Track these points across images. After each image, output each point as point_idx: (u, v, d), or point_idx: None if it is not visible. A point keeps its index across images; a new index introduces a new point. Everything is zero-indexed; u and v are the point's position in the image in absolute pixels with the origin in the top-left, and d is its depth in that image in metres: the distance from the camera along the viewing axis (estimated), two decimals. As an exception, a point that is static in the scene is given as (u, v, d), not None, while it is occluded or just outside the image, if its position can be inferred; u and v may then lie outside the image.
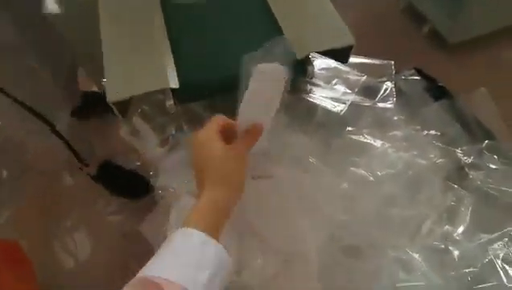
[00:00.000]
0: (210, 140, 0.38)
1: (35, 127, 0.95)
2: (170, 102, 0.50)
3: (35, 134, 1.06)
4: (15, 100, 0.79)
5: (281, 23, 0.54)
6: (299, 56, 0.50)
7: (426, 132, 0.57)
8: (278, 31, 0.56)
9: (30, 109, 0.83)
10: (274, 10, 0.57)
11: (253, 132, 0.40)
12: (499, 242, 0.42)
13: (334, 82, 0.63)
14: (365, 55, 0.71)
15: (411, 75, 0.70)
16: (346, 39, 0.51)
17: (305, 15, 0.57)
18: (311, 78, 0.55)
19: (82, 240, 1.21)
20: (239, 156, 0.39)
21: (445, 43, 1.53)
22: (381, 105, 0.61)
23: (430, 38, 1.60)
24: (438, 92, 0.67)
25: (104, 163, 1.17)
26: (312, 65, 0.54)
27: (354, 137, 0.56)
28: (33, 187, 1.28)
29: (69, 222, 1.24)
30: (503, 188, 0.52)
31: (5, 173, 1.32)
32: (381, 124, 0.61)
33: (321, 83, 0.62)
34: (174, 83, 0.49)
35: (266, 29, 0.59)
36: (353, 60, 0.67)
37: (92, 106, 1.28)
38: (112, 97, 0.49)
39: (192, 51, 0.57)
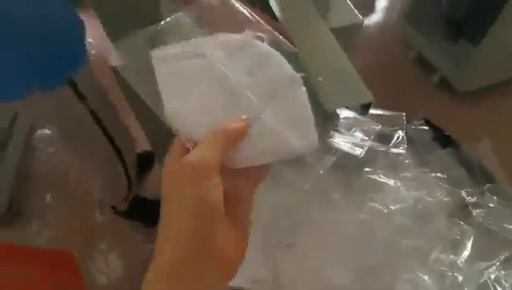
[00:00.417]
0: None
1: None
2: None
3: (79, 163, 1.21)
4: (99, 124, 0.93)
5: (312, 79, 0.68)
6: (329, 109, 0.62)
7: (433, 174, 0.67)
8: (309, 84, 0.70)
9: (111, 139, 0.97)
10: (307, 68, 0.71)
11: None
12: (493, 267, 0.50)
13: (353, 130, 0.75)
14: (379, 104, 0.83)
15: (421, 125, 0.82)
16: (367, 97, 0.64)
17: (332, 74, 0.70)
18: (336, 126, 0.67)
19: (114, 262, 1.31)
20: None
21: (454, 91, 1.66)
22: (394, 150, 0.72)
23: (439, 86, 1.73)
24: (445, 140, 0.78)
25: (133, 199, 1.27)
26: (338, 116, 0.66)
27: (371, 176, 0.67)
28: (74, 212, 1.41)
29: (103, 245, 1.34)
30: (502, 225, 0.61)
31: (49, 197, 1.46)
32: (394, 166, 0.72)
33: (342, 130, 0.75)
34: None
35: None
36: (370, 111, 0.80)
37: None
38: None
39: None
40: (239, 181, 0.28)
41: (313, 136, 0.31)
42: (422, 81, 1.78)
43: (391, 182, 0.64)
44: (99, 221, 1.40)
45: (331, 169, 0.70)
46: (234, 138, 0.27)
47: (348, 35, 1.02)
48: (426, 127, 0.79)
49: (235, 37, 0.32)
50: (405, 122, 0.79)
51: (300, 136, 0.30)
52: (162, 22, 0.33)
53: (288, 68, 0.32)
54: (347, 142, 0.73)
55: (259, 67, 0.31)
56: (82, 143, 1.00)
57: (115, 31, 0.93)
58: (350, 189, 0.65)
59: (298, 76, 0.32)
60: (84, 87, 0.87)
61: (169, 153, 0.28)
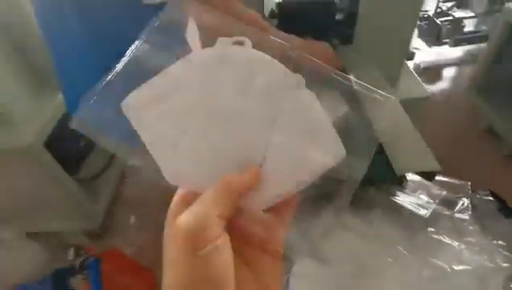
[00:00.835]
0: None
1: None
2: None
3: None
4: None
5: (383, 144, 0.79)
6: (399, 173, 0.73)
7: (495, 242, 0.72)
8: (379, 147, 0.81)
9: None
10: (378, 134, 0.84)
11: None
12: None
13: (419, 193, 0.84)
14: (445, 171, 0.90)
15: (486, 195, 0.87)
16: (434, 165, 0.74)
17: (401, 141, 0.82)
18: (405, 188, 0.77)
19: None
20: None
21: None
22: (458, 215, 0.78)
23: (508, 159, 1.70)
24: (509, 211, 0.82)
25: None
26: (407, 179, 0.77)
27: (435, 236, 0.74)
28: (151, 233, 1.62)
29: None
30: None
31: (133, 219, 1.70)
32: (458, 231, 0.77)
33: (408, 191, 0.84)
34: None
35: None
36: (436, 177, 0.88)
37: None
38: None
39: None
40: (264, 228, 0.25)
41: (336, 143, 0.28)
42: (490, 152, 1.76)
43: (455, 244, 0.70)
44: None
45: (396, 224, 0.78)
46: (242, 191, 0.23)
47: (415, 107, 1.13)
48: (491, 198, 0.84)
49: (207, 51, 0.27)
50: (470, 191, 0.85)
51: (322, 147, 0.27)
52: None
53: (281, 69, 0.27)
54: (412, 202, 0.81)
55: (248, 80, 0.27)
56: None
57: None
58: (414, 245, 0.73)
59: (297, 75, 0.28)
60: None
61: (169, 209, 0.24)
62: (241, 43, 0.27)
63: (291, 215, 0.28)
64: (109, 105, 0.26)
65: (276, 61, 0.27)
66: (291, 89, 0.27)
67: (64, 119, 1.32)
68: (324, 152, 0.28)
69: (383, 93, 0.33)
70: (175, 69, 0.27)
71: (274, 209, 0.26)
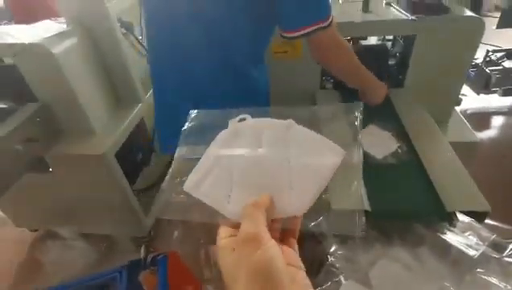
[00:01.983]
0: None
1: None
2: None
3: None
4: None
5: (433, 182, 0.84)
6: (449, 210, 0.77)
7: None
8: (430, 186, 0.85)
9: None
10: (429, 172, 0.87)
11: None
12: None
13: (468, 233, 0.86)
14: (495, 216, 0.92)
15: (538, 244, 0.87)
16: (484, 206, 0.77)
17: (452, 181, 0.85)
18: (454, 227, 0.80)
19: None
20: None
21: None
22: (507, 259, 0.79)
23: None
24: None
25: None
26: (457, 217, 0.80)
27: (483, 277, 0.75)
28: (189, 248, 1.71)
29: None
30: None
31: (176, 233, 1.80)
32: (507, 274, 0.78)
33: (458, 231, 0.86)
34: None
35: (422, 183, 0.89)
36: (486, 221, 0.89)
37: None
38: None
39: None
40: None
41: (335, 147, 0.36)
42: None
43: (502, 285, 0.72)
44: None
45: (444, 261, 0.81)
46: (264, 209, 0.32)
47: (464, 150, 1.16)
48: (544, 247, 0.84)
49: (226, 131, 0.39)
50: (520, 238, 0.86)
51: (327, 154, 0.36)
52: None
53: (276, 121, 0.39)
54: (461, 242, 0.84)
55: (258, 137, 0.38)
56: None
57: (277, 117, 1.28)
58: (462, 283, 0.75)
59: (289, 120, 0.38)
60: None
61: (219, 245, 0.32)
62: (243, 119, 0.39)
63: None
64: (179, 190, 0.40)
65: (270, 119, 0.39)
66: (286, 128, 0.38)
67: (132, 134, 1.50)
68: (330, 156, 0.36)
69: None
70: (208, 151, 0.39)
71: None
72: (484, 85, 2.30)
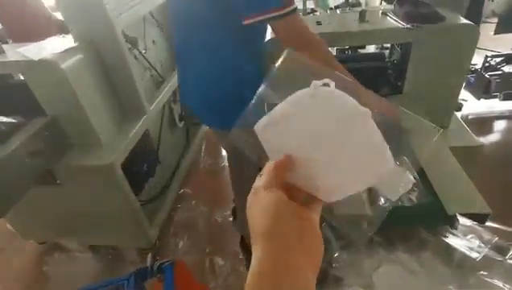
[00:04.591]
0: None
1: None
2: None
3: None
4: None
5: (434, 186, 0.85)
6: (450, 213, 0.78)
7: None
8: (431, 190, 0.86)
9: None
10: (429, 177, 0.89)
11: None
12: None
13: (470, 236, 0.87)
14: (499, 218, 0.92)
15: (541, 244, 0.87)
16: (484, 208, 0.78)
17: (452, 184, 0.87)
18: (455, 229, 0.81)
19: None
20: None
21: None
22: (511, 261, 0.80)
23: None
24: None
25: None
26: (458, 220, 0.81)
27: (487, 279, 0.76)
28: (194, 258, 1.72)
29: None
30: None
31: (180, 244, 1.81)
32: (510, 276, 0.78)
33: (460, 235, 0.87)
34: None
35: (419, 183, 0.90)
36: (488, 223, 0.90)
37: None
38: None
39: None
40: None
41: (388, 158, 0.37)
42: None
43: (507, 288, 0.72)
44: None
45: (447, 264, 0.81)
46: (283, 167, 0.38)
47: (465, 155, 1.17)
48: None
49: (304, 91, 0.39)
50: (524, 240, 0.86)
51: (379, 159, 0.37)
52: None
53: (355, 103, 0.38)
54: (464, 245, 0.84)
55: (331, 110, 0.38)
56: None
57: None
58: (465, 285, 0.75)
59: (364, 109, 0.37)
60: None
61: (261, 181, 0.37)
62: (327, 85, 0.38)
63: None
64: (248, 127, 0.41)
65: (351, 98, 0.38)
66: (361, 118, 0.37)
67: (137, 146, 1.53)
68: (381, 163, 0.37)
69: (431, 124, 0.44)
70: (284, 104, 0.39)
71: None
72: (484, 90, 2.31)
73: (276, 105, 0.40)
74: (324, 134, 0.38)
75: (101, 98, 1.36)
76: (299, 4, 2.16)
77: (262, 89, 0.42)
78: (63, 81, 1.15)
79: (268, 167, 0.38)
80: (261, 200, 0.35)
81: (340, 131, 0.37)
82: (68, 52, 1.23)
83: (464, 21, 1.08)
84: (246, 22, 0.83)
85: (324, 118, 0.38)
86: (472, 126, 2.34)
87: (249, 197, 0.37)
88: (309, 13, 1.68)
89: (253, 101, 0.42)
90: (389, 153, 0.37)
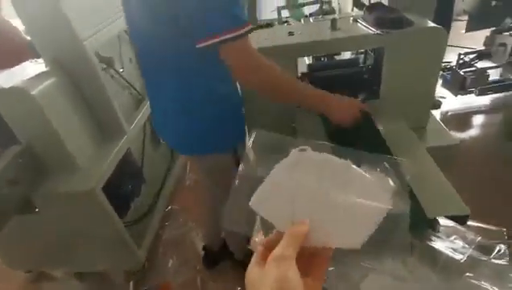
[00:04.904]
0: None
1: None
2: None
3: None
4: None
5: (414, 190, 0.85)
6: (430, 216, 0.78)
7: (538, 289, 0.72)
8: (412, 195, 0.87)
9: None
10: (409, 181, 0.89)
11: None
12: None
13: (453, 238, 0.87)
14: (483, 216, 0.92)
15: (524, 242, 0.88)
16: (463, 209, 0.79)
17: (431, 187, 0.87)
18: (438, 232, 0.81)
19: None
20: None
21: None
22: (495, 261, 0.80)
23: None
24: (550, 258, 0.82)
25: None
26: (439, 223, 0.81)
27: (474, 281, 0.76)
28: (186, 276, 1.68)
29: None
30: None
31: (170, 263, 1.77)
32: (497, 277, 0.79)
33: (443, 236, 0.87)
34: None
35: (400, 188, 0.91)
36: (469, 223, 0.91)
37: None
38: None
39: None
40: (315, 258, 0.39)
41: (385, 197, 0.40)
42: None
43: (495, 289, 0.72)
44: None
45: (433, 268, 0.81)
46: (302, 235, 0.37)
47: (444, 154, 1.19)
48: (528, 244, 0.85)
49: (287, 159, 0.42)
50: (506, 237, 0.87)
51: (376, 200, 0.39)
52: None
53: (334, 158, 0.41)
54: (448, 247, 0.85)
55: (317, 170, 0.41)
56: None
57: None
58: (453, 289, 0.75)
59: (347, 161, 0.41)
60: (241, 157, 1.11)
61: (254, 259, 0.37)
62: (304, 150, 0.42)
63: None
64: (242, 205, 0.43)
65: (330, 155, 0.42)
66: (345, 169, 0.41)
67: (119, 167, 1.49)
68: (378, 203, 0.39)
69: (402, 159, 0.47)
70: (271, 175, 0.42)
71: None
72: (460, 87, 2.37)
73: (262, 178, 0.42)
74: (319, 192, 0.40)
75: (77, 122, 1.33)
76: (273, 14, 2.18)
77: (241, 169, 0.45)
78: (34, 108, 1.12)
79: (276, 236, 0.38)
80: (271, 272, 0.34)
81: (332, 185, 0.40)
82: (39, 78, 1.20)
83: (431, 24, 1.10)
84: (198, 45, 0.79)
85: (313, 178, 0.41)
86: (451, 123, 2.40)
87: (254, 268, 0.36)
88: (284, 22, 1.69)
89: (237, 181, 0.45)
90: (387, 183, 0.41)
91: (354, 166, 0.41)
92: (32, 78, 1.19)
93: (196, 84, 0.95)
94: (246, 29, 0.78)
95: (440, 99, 2.59)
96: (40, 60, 1.36)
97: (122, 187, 1.63)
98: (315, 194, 0.40)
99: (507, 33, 2.23)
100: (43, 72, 1.24)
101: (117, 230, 1.44)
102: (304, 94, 0.92)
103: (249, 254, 0.41)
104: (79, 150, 1.32)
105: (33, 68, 1.32)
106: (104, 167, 1.36)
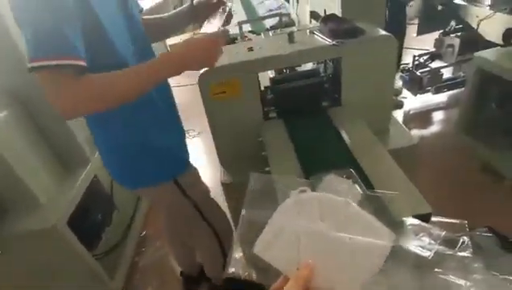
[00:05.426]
0: None
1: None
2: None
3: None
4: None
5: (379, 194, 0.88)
6: (397, 219, 0.81)
7: (502, 277, 0.76)
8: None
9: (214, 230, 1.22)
10: (373, 181, 0.91)
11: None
12: None
13: (421, 235, 0.90)
14: (448, 211, 0.96)
15: (485, 232, 0.93)
16: (425, 208, 0.82)
17: (394, 189, 0.90)
18: (405, 232, 0.84)
19: None
20: None
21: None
22: (460, 254, 0.84)
23: (508, 192, 1.75)
24: (510, 245, 0.87)
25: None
26: (406, 224, 0.83)
27: (442, 276, 0.78)
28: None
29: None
30: None
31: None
32: (463, 269, 0.82)
33: (412, 235, 0.90)
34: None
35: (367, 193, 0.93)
36: (434, 218, 0.94)
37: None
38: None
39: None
40: None
41: (388, 232, 0.43)
42: (491, 187, 1.82)
43: (462, 282, 0.75)
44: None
45: (404, 269, 0.83)
46: (307, 279, 0.38)
47: (405, 154, 1.24)
48: (490, 234, 0.89)
49: (288, 201, 0.42)
50: (468, 230, 0.91)
51: (378, 238, 0.42)
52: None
53: (333, 197, 0.43)
54: (416, 245, 0.87)
55: (315, 209, 0.42)
56: (188, 234, 1.24)
57: (225, 153, 1.29)
58: (424, 287, 0.77)
59: (346, 199, 0.43)
60: (188, 186, 1.07)
61: None
62: (304, 191, 0.43)
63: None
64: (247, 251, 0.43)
65: (329, 194, 0.43)
66: (344, 206, 0.42)
67: (86, 197, 1.43)
68: (382, 234, 0.43)
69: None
70: (274, 218, 0.42)
71: None
72: (418, 87, 2.50)
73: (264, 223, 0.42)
74: (322, 233, 0.41)
75: (36, 156, 1.27)
76: (236, 29, 2.21)
77: (243, 213, 0.46)
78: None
79: (283, 281, 0.39)
80: None
81: (334, 225, 0.41)
82: (-11, 112, 1.13)
83: (382, 33, 1.16)
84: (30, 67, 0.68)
85: (315, 219, 0.41)
86: (414, 121, 2.51)
87: None
88: (245, 36, 1.72)
89: (239, 225, 0.45)
90: (384, 227, 0.44)
91: (353, 203, 0.43)
92: (-19, 113, 1.13)
93: (99, 120, 0.92)
94: (55, 62, 0.67)
95: (402, 99, 2.71)
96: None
97: (91, 217, 1.55)
98: (318, 236, 0.41)
99: (453, 35, 2.39)
100: (-7, 106, 1.17)
101: (87, 264, 1.37)
102: (151, 74, 0.79)
103: (227, 279, 0.41)
104: (39, 185, 1.25)
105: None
106: (68, 200, 1.30)
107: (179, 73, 0.82)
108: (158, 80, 0.82)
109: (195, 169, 1.15)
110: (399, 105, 2.66)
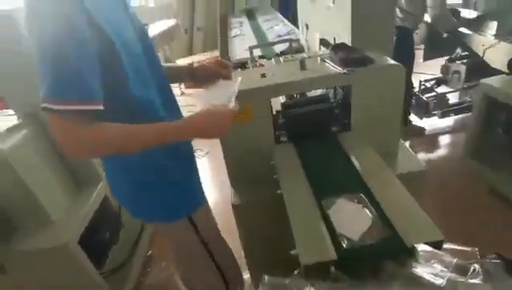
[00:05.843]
0: None
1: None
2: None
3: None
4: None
5: (392, 221, 0.88)
6: (408, 245, 0.81)
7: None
8: (388, 221, 0.89)
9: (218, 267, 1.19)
10: (383, 207, 0.92)
11: None
12: None
13: (432, 262, 0.90)
14: (458, 237, 0.96)
15: (494, 259, 0.93)
16: (437, 235, 0.83)
17: (404, 215, 0.91)
18: (418, 258, 0.84)
19: None
20: None
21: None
22: (472, 281, 0.84)
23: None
24: (516, 272, 0.87)
25: None
26: (417, 250, 0.84)
27: (454, 304, 0.78)
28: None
29: None
30: None
31: None
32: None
33: (423, 262, 0.90)
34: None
35: (377, 218, 0.93)
36: (446, 245, 0.95)
37: None
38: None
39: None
40: None
41: None
42: (500, 211, 1.81)
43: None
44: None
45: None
46: None
47: (414, 179, 1.25)
48: (498, 261, 0.90)
49: None
50: (479, 257, 0.92)
51: None
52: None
53: None
54: (428, 272, 0.87)
55: None
56: (191, 267, 1.23)
57: (236, 174, 1.31)
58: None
59: None
60: (200, 222, 1.06)
61: None
62: None
63: None
64: None
65: None
66: None
67: (96, 215, 1.44)
68: None
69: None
70: None
71: None
72: (424, 111, 2.53)
73: None
74: None
75: (50, 173, 1.30)
76: (247, 53, 2.28)
77: None
78: (3, 164, 1.09)
79: None
80: None
81: None
82: (8, 132, 1.17)
83: (390, 62, 1.20)
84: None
85: None
86: (420, 145, 2.53)
87: None
88: (256, 61, 1.78)
89: None
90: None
91: None
92: (2, 133, 1.17)
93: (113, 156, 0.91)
94: (70, 108, 0.66)
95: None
96: (9, 111, 1.34)
97: (100, 235, 1.56)
98: None
99: (459, 62, 2.44)
100: (13, 126, 1.22)
101: (95, 282, 1.37)
102: (160, 139, 0.81)
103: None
104: (53, 203, 1.27)
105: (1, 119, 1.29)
106: (79, 218, 1.32)
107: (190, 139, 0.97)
108: (165, 143, 0.83)
109: (206, 201, 1.14)
110: (421, 133, 2.61)
